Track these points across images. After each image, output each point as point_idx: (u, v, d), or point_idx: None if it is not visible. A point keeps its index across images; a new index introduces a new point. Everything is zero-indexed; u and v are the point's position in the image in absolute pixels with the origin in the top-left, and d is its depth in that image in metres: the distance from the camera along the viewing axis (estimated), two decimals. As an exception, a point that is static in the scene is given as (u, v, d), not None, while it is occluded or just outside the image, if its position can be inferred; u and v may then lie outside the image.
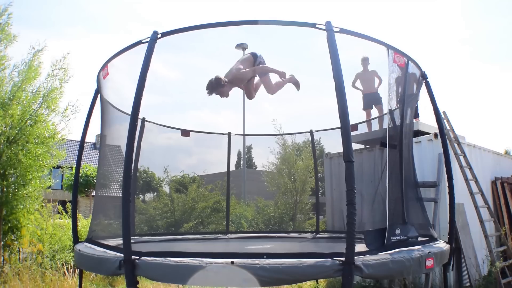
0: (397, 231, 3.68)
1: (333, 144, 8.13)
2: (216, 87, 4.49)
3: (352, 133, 5.84)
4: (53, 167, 8.03)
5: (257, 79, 5.00)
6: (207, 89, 4.53)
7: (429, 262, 3.59)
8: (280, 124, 12.16)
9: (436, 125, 5.26)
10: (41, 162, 7.29)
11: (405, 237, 3.76)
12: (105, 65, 4.47)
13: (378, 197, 6.69)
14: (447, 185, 4.90)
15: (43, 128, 7.27)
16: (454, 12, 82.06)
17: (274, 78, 4.95)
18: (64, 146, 8.31)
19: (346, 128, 3.21)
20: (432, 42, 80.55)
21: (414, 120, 7.14)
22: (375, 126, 7.98)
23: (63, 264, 7.27)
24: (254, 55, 4.81)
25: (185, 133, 7.26)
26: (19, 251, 7.48)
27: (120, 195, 3.42)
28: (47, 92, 7.32)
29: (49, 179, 7.94)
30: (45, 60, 7.71)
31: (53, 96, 7.39)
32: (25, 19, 51.47)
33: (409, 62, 4.28)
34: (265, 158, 12.47)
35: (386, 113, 4.78)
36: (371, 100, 8.03)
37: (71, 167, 18.08)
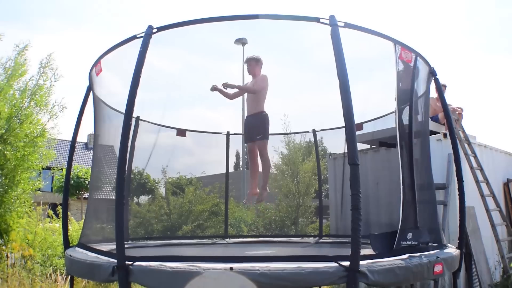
0: (409, 235, 3.68)
1: (337, 144, 8.12)
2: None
3: (357, 133, 5.85)
4: (43, 168, 8.04)
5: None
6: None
7: (438, 268, 3.59)
8: (289, 121, 11.87)
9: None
10: (29, 163, 7.30)
11: (416, 242, 3.75)
12: (97, 61, 4.47)
13: (386, 199, 6.70)
14: (457, 187, 4.89)
15: (32, 126, 7.28)
16: (464, 5, 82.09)
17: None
18: (54, 146, 8.33)
19: (351, 129, 3.19)
20: (439, 36, 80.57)
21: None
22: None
23: (54, 270, 7.28)
24: None
25: (181, 132, 7.25)
26: (7, 256, 7.49)
27: (113, 197, 3.42)
28: (35, 91, 7.34)
29: (39, 180, 7.95)
30: (32, 58, 7.74)
31: (41, 93, 7.42)
32: (3, 13, 51.35)
33: (418, 58, 4.28)
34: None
35: (390, 113, 4.78)
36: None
37: (61, 169, 18.09)
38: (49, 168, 8.53)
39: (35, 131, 7.39)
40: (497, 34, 75.36)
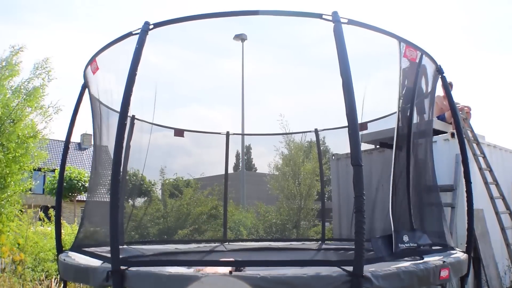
0: (405, 238, 3.71)
1: (340, 144, 8.14)
2: None
3: (361, 133, 5.86)
4: (34, 169, 8.08)
5: None
6: None
7: (444, 273, 3.62)
8: (286, 120, 11.81)
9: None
10: (21, 164, 7.33)
11: (415, 245, 3.78)
12: (93, 59, 4.48)
13: (382, 202, 6.73)
14: (465, 189, 4.91)
15: (24, 127, 7.32)
16: (474, 0, 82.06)
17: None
18: (46, 146, 8.38)
19: (354, 129, 3.21)
20: (446, 32, 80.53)
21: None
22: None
23: (46, 276, 7.29)
24: None
25: (178, 132, 7.27)
26: (-4, 261, 7.50)
27: (108, 199, 3.44)
28: (29, 91, 7.41)
29: (30, 181, 7.98)
30: (22, 54, 7.85)
31: (35, 93, 7.47)
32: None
33: (423, 56, 4.30)
34: (265, 159, 12.45)
35: (394, 112, 4.80)
36: None
37: (53, 170, 18.10)
38: (39, 170, 8.56)
39: (27, 131, 7.43)
40: (509, 31, 75.37)
